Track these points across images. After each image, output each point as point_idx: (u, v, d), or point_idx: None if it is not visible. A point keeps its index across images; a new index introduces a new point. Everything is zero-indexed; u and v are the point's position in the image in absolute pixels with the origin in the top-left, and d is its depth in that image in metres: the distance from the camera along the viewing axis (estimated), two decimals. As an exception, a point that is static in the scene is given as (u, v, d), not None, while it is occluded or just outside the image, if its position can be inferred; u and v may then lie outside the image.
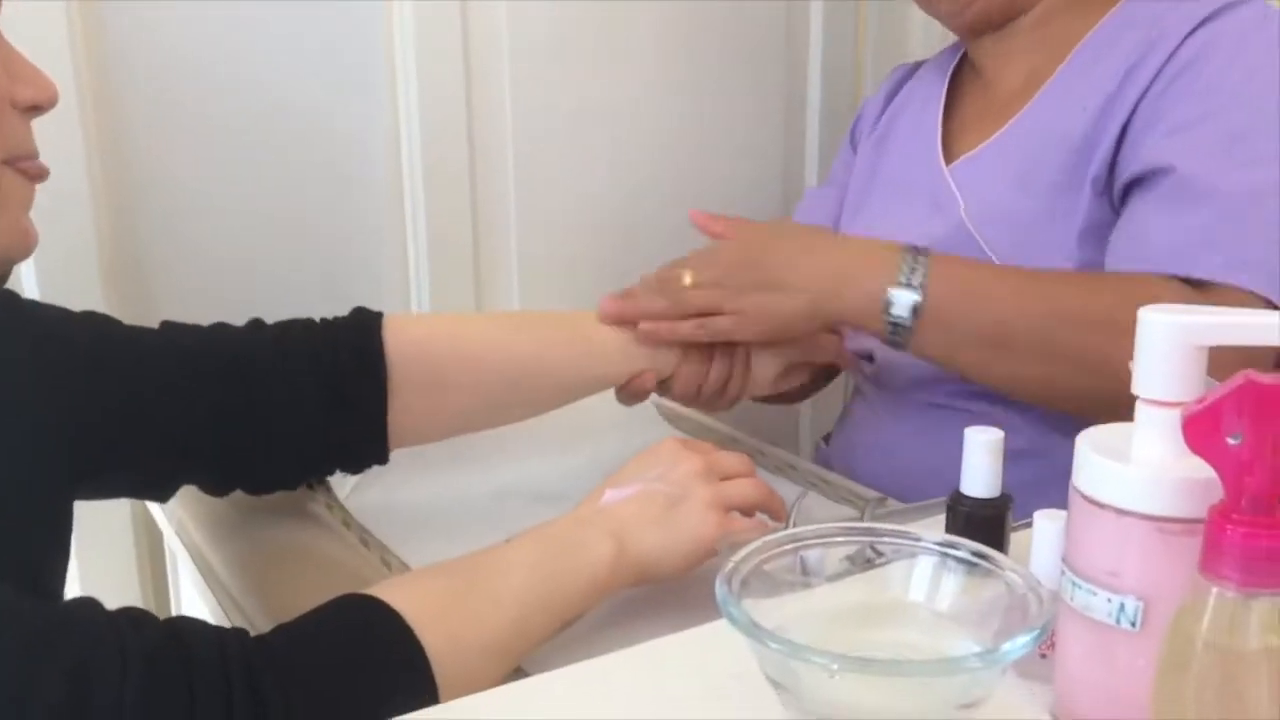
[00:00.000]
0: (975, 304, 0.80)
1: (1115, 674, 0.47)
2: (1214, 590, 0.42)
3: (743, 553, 0.50)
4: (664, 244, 0.97)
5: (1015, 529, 0.63)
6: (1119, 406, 0.76)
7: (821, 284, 0.82)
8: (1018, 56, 0.94)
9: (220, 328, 0.78)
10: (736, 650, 0.48)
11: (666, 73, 1.25)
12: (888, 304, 0.79)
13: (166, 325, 0.76)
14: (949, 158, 0.97)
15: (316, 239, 1.10)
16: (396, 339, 0.78)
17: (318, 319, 0.80)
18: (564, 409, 0.87)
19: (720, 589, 0.47)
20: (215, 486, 0.78)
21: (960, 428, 0.93)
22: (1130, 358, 0.74)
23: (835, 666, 0.43)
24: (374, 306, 0.82)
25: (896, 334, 0.81)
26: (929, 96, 1.02)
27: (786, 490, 0.84)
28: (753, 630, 0.45)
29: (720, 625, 0.51)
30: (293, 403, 0.74)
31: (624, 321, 0.85)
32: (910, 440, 0.98)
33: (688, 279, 0.84)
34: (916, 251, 0.81)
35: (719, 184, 1.31)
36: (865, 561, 0.55)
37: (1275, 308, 0.76)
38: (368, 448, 0.79)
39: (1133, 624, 0.46)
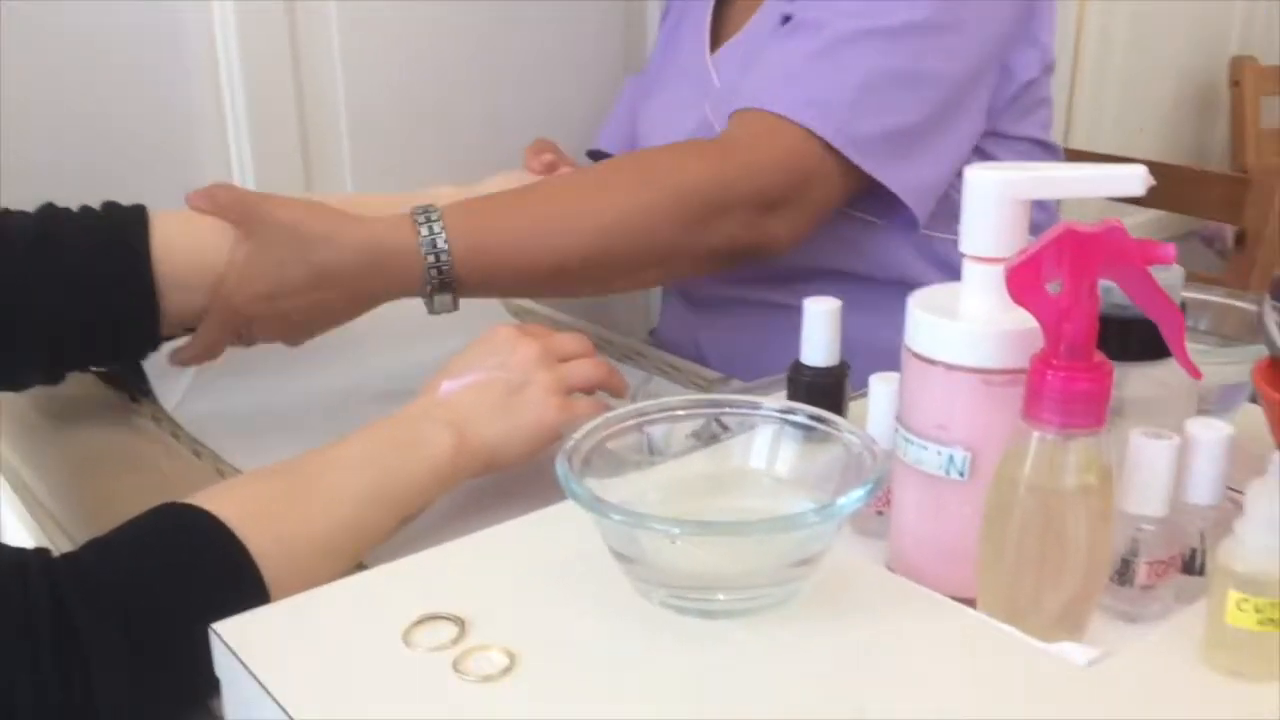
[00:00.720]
0: (510, 255, 0.77)
1: (945, 524, 0.48)
2: (1035, 435, 0.43)
3: (584, 430, 0.49)
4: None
5: (854, 398, 0.64)
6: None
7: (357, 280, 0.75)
8: None
9: None
10: (581, 529, 0.48)
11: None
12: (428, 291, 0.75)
13: None
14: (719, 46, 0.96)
15: (133, 141, 1.04)
16: (170, 240, 0.72)
17: (97, 206, 0.74)
18: (403, 306, 0.84)
19: (560, 466, 0.46)
20: None
21: (756, 319, 0.95)
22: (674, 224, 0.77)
23: (676, 531, 0.43)
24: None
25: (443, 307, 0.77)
26: None
27: (634, 376, 0.84)
28: (594, 504, 0.44)
29: (565, 506, 0.50)
30: (42, 305, 0.69)
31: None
32: (710, 334, 1.00)
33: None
34: (428, 214, 0.75)
35: (558, 62, 1.28)
36: (711, 437, 0.55)
37: (836, 151, 0.78)
38: (135, 343, 0.75)
39: (961, 474, 0.47)
